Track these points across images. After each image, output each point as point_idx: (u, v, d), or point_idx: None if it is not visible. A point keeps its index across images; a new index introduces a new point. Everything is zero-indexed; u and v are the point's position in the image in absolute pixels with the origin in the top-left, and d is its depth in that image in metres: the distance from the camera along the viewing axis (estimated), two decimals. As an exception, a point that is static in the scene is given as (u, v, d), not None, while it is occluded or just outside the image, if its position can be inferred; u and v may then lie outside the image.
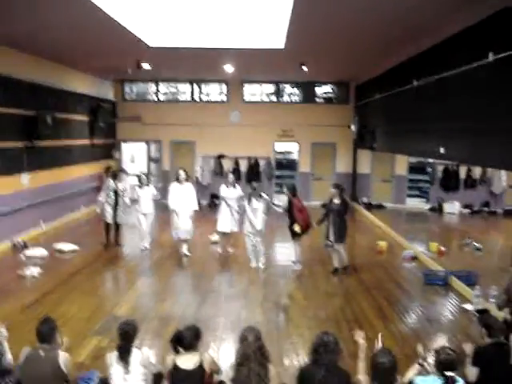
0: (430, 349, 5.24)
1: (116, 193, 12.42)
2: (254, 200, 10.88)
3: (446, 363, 4.73)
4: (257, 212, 10.89)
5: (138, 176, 12.76)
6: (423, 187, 21.37)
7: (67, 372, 5.07)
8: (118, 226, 12.73)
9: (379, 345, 5.15)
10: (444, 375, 4.71)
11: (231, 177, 12.11)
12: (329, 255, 11.08)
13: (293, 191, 11.01)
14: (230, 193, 11.76)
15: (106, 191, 12.49)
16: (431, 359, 5.06)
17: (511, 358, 5.74)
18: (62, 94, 15.52)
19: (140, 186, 12.35)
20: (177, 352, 5.14)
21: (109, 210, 12.41)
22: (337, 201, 10.58)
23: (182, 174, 11.58)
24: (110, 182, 12.47)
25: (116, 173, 12.95)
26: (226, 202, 11.76)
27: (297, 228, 10.79)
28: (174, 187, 11.56)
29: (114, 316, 8.01)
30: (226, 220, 11.79)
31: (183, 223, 11.50)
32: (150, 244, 12.44)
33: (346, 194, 18.30)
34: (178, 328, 5.43)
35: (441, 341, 5.32)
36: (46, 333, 5.12)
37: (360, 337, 5.30)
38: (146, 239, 12.36)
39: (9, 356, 5.49)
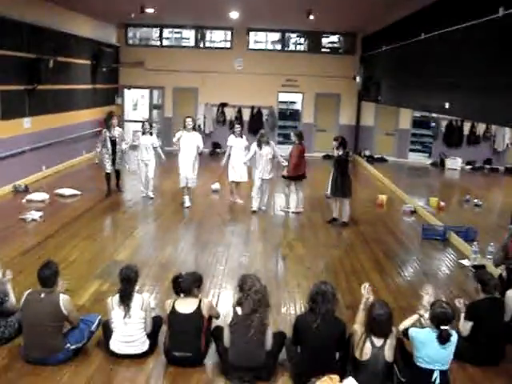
0: (424, 302, 5.32)
1: (112, 141, 12.11)
2: (263, 146, 11.16)
3: (440, 317, 4.82)
4: (266, 158, 11.21)
5: (142, 123, 12.59)
6: (426, 142, 21.28)
7: (68, 313, 5.18)
8: (118, 173, 12.63)
9: (369, 296, 5.23)
10: (438, 328, 4.80)
11: (238, 127, 12.16)
12: (329, 206, 11.16)
13: (299, 138, 11.31)
14: (238, 143, 11.82)
15: (101, 141, 12.19)
16: (426, 312, 5.15)
17: (504, 314, 5.86)
18: (65, 37, 15.28)
19: (143, 133, 12.09)
20: (177, 293, 5.23)
21: (107, 160, 12.13)
22: (338, 153, 10.56)
23: (190, 122, 11.51)
24: (104, 132, 12.19)
25: (109, 122, 12.44)
26: (235, 152, 11.80)
27: (284, 172, 11.35)
28: (180, 135, 11.45)
29: (114, 261, 8.10)
30: (236, 169, 11.82)
31: (188, 171, 11.47)
32: (153, 192, 12.29)
33: (349, 147, 18.41)
34: (179, 273, 5.53)
35: (429, 292, 5.37)
36: (48, 276, 5.20)
37: (365, 289, 5.34)
38: (148, 187, 12.21)
39: (12, 298, 5.60)
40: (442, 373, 4.88)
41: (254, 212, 11.42)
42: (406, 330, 5.02)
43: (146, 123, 12.49)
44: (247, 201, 11.95)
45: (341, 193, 10.57)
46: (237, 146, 11.80)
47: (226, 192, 12.58)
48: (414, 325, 5.16)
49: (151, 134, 12.30)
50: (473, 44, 9.20)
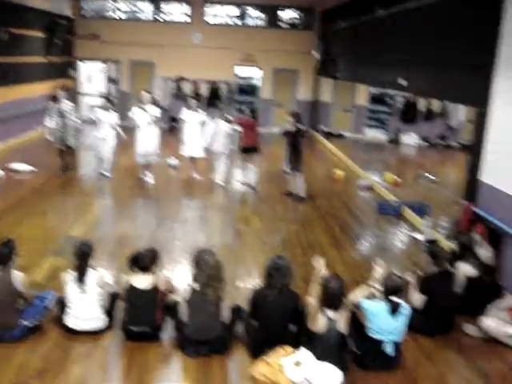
0: (375, 274, 5.43)
1: (61, 115, 11.63)
2: (220, 120, 11.35)
3: (391, 289, 4.95)
4: (223, 132, 11.37)
5: (105, 98, 12.28)
6: (383, 118, 21.50)
7: (22, 290, 5.12)
8: (71, 150, 12.12)
9: (321, 269, 5.32)
10: (389, 300, 4.93)
11: (193, 101, 12.01)
12: (286, 181, 11.29)
13: (253, 113, 11.76)
14: (192, 117, 11.67)
15: (49, 115, 11.78)
16: (378, 284, 5.27)
17: (455, 286, 6.04)
18: (17, 8, 14.82)
19: (104, 109, 11.68)
20: (133, 271, 5.23)
21: (57, 135, 11.69)
22: (291, 128, 10.66)
23: (146, 96, 11.36)
24: (51, 104, 11.87)
25: (55, 95, 12.06)
26: (188, 126, 11.72)
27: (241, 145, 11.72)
28: (137, 109, 11.31)
29: (70, 237, 7.99)
30: (192, 144, 11.73)
31: (147, 147, 11.35)
32: (110, 171, 11.86)
33: (306, 123, 18.50)
34: (136, 249, 5.52)
35: (380, 266, 5.49)
36: (4, 255, 5.12)
37: (317, 262, 5.43)
38: (104, 165, 11.78)
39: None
40: (394, 343, 5.02)
41: (217, 185, 11.57)
42: (358, 302, 5.14)
43: (105, 99, 12.15)
44: (206, 176, 11.97)
45: (294, 167, 10.72)
46: (191, 120, 11.68)
47: (183, 167, 12.50)
48: (366, 297, 5.27)
49: (111, 110, 11.80)
50: (427, 21, 9.32)
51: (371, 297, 5.28)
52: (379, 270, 5.40)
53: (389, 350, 5.01)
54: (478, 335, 5.81)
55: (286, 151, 10.82)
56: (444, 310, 5.80)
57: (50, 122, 11.78)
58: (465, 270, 6.25)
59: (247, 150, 11.76)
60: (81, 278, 5.19)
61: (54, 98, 11.90)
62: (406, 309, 5.05)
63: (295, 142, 10.69)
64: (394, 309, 4.95)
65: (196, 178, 12.03)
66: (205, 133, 11.53)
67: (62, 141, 11.76)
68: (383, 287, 5.08)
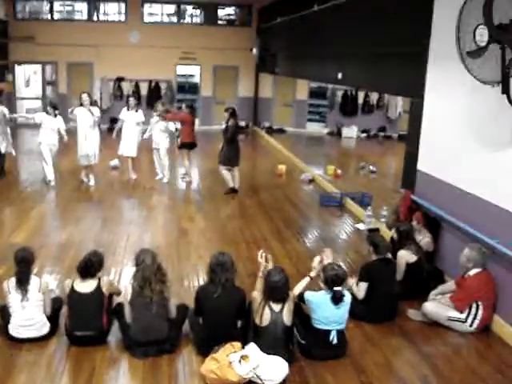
0: (314, 264, 5.53)
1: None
2: (158, 119, 11.57)
3: (332, 278, 5.06)
4: (161, 130, 11.64)
5: (51, 104, 11.70)
6: (323, 112, 21.78)
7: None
8: (3, 155, 11.60)
9: (267, 263, 5.40)
10: (332, 289, 5.04)
11: (132, 100, 11.97)
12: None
13: (190, 108, 11.96)
14: (131, 117, 11.65)
15: None
16: (316, 274, 5.39)
17: (395, 273, 6.22)
18: None
19: (47, 113, 11.15)
20: (83, 277, 5.18)
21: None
22: (228, 124, 10.87)
23: (85, 98, 11.21)
24: None
25: None
26: (126, 126, 11.73)
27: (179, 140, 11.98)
28: (78, 111, 11.14)
29: (10, 244, 7.80)
30: (127, 144, 11.74)
31: (88, 148, 11.21)
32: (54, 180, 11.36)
33: (248, 119, 18.66)
34: (81, 254, 5.47)
35: (327, 254, 5.61)
36: None
37: (261, 257, 5.49)
38: (49, 172, 11.31)
39: None
40: (339, 332, 5.14)
41: (160, 183, 11.76)
42: (302, 294, 5.23)
43: (51, 104, 11.61)
44: (144, 176, 12.12)
45: (231, 162, 10.95)
46: (129, 119, 11.68)
47: (125, 168, 12.39)
48: (308, 288, 5.38)
49: (56, 115, 11.17)
50: (362, 15, 9.50)
51: (317, 288, 5.39)
52: (317, 259, 5.50)
53: (334, 338, 5.12)
54: (421, 320, 5.98)
55: (222, 147, 11.03)
56: (386, 297, 5.95)
57: None
58: (405, 256, 6.44)
59: (186, 146, 11.91)
60: (22, 286, 5.11)
61: None
62: (347, 297, 5.17)
63: (232, 137, 10.86)
64: (336, 298, 5.06)
65: (133, 178, 12.04)
66: (142, 132, 11.62)
67: None
68: (324, 277, 5.18)
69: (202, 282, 6.57)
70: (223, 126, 11.01)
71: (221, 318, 5.04)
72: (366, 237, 6.73)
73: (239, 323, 5.23)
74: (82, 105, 11.14)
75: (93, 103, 11.64)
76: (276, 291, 4.89)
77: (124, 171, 12.32)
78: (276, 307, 4.89)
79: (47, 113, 11.19)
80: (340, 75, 10.63)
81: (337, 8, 10.77)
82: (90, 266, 5.19)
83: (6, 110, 11.68)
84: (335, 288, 5.06)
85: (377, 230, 8.67)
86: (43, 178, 11.40)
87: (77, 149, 11.29)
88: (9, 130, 11.59)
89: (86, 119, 11.08)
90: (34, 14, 20.30)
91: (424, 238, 7.02)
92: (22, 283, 5.12)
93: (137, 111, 11.78)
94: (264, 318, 4.88)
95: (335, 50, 10.90)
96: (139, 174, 12.22)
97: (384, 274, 6.02)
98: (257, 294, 5.06)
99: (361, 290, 5.95)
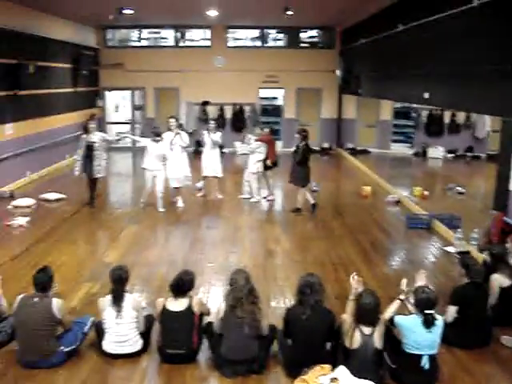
0: (411, 288, 5.41)
1: (88, 147, 11.15)
2: (248, 141, 12.11)
3: (424, 301, 4.95)
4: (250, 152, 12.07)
5: (154, 131, 11.38)
6: (408, 132, 21.43)
7: (61, 317, 5.22)
8: (94, 182, 11.59)
9: (358, 286, 5.31)
10: (423, 313, 4.92)
11: (212, 123, 12.45)
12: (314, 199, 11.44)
13: (271, 130, 12.51)
14: (210, 138, 12.07)
15: (80, 147, 11.34)
16: (411, 298, 5.26)
17: (488, 297, 5.99)
18: (44, 41, 15.23)
19: (155, 141, 11.05)
20: (176, 296, 5.29)
21: (85, 166, 11.25)
22: (299, 145, 11.12)
23: (173, 122, 11.55)
24: (82, 137, 11.42)
25: (86, 125, 11.65)
26: (207, 148, 12.17)
27: (268, 162, 12.04)
28: (166, 136, 11.40)
29: (103, 263, 8.14)
30: (211, 165, 12.05)
31: (178, 172, 11.51)
32: (164, 207, 11.40)
33: (331, 140, 18.68)
34: (167, 273, 5.59)
35: (421, 277, 5.49)
36: (44, 282, 5.25)
37: (353, 279, 5.43)
38: (144, 195, 11.49)
39: (3, 304, 5.63)
40: (431, 357, 4.99)
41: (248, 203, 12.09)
42: (392, 317, 5.13)
43: (156, 131, 11.40)
44: (228, 197, 12.38)
45: (297, 182, 11.15)
46: (208, 142, 12.09)
47: (210, 189, 12.61)
48: (399, 312, 5.26)
49: (159, 142, 11.11)
50: (449, 34, 9.32)
51: (407, 312, 5.27)
52: (405, 282, 5.41)
53: (426, 363, 4.98)
54: (517, 347, 5.74)
55: (292, 168, 11.24)
56: (478, 322, 5.76)
57: (79, 155, 11.34)
58: (499, 280, 6.20)
59: (272, 166, 12.14)
60: (117, 303, 5.27)
61: (86, 130, 11.57)
62: (439, 321, 5.03)
63: (303, 159, 11.02)
64: (428, 322, 4.93)
65: (218, 198, 12.34)
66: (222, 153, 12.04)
67: (89, 172, 11.38)
68: (415, 301, 5.07)
69: (288, 304, 6.57)
70: (294, 148, 11.32)
71: (310, 340, 5.01)
72: (458, 259, 6.54)
73: (328, 345, 5.18)
74: (169, 129, 11.45)
75: (179, 126, 11.95)
76: (367, 314, 4.82)
77: (209, 192, 12.53)
78: (367, 330, 4.82)
79: (154, 140, 11.08)
80: (427, 95, 10.43)
81: (422, 27, 10.60)
82: (182, 285, 5.30)
83: (104, 135, 12.06)
84: (427, 311, 4.93)
85: (467, 252, 8.39)
86: (141, 205, 11.53)
87: (168, 171, 11.51)
88: (105, 155, 11.75)
89: (176, 142, 11.34)
90: (123, 41, 21.17)
91: (519, 262, 6.74)
92: (117, 301, 5.28)
93: (215, 133, 12.14)
94: (354, 340, 4.82)
95: (421, 70, 10.72)
96: (224, 194, 12.42)
97: (476, 298, 5.82)
98: (347, 317, 5.00)
99: (450, 313, 5.78)
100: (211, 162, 12.10)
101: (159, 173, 11.14)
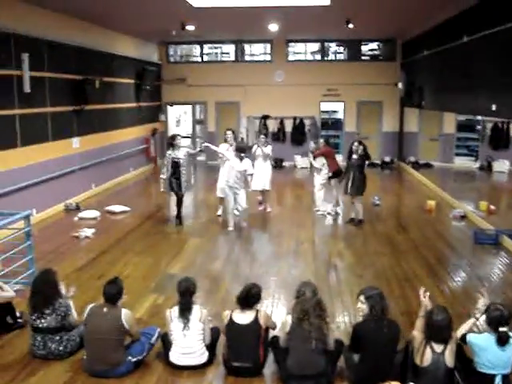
0: (479, 305, 5.25)
1: (175, 163, 10.89)
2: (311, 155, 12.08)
3: (497, 319, 4.78)
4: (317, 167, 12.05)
5: (238, 147, 11.04)
6: (472, 145, 20.93)
7: (129, 327, 5.30)
8: (180, 200, 11.33)
9: (427, 302, 5.19)
10: (496, 331, 4.75)
11: (262, 137, 12.64)
12: (376, 214, 11.23)
13: (327, 142, 12.42)
14: (260, 152, 12.26)
15: (164, 165, 11.17)
16: (482, 317, 5.09)
17: None
18: (109, 57, 15.68)
19: (239, 157, 10.73)
20: (243, 308, 5.30)
21: (168, 184, 11.04)
22: (356, 156, 11.12)
23: (229, 134, 11.66)
24: (168, 154, 11.08)
25: (172, 142, 11.20)
26: (257, 162, 12.26)
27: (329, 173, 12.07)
28: (222, 148, 11.53)
29: (168, 274, 8.25)
30: (260, 178, 12.04)
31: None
32: (246, 222, 11.25)
33: (393, 154, 18.46)
34: (230, 285, 5.60)
35: (485, 295, 5.33)
36: (114, 293, 5.35)
37: (423, 295, 5.31)
38: (239, 218, 11.12)
39: (74, 313, 5.76)
40: (505, 377, 4.81)
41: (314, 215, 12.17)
42: (464, 335, 4.97)
43: (240, 146, 11.14)
44: (286, 210, 12.60)
45: (353, 191, 11.20)
46: (260, 155, 12.25)
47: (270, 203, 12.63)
48: (471, 330, 5.09)
49: (242, 158, 10.76)
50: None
51: (476, 330, 5.10)
52: (483, 300, 5.23)
53: (499, 383, 4.80)
54: None
55: (350, 177, 11.21)
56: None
57: (166, 171, 11.07)
58: None
59: (335, 175, 12.06)
60: (185, 315, 5.31)
61: (171, 146, 11.14)
62: (513, 339, 4.86)
63: (361, 168, 11.15)
64: (502, 340, 4.75)
65: (267, 211, 12.41)
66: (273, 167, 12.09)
67: (176, 190, 11.14)
68: (488, 318, 4.90)
69: (353, 319, 6.48)
70: (354, 157, 11.23)
71: (380, 355, 4.90)
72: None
73: (397, 360, 5.06)
74: (225, 141, 11.58)
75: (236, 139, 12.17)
76: (439, 331, 4.69)
77: (261, 204, 12.60)
78: (438, 348, 4.68)
79: (238, 156, 10.75)
80: (494, 107, 10.18)
81: (489, 38, 10.39)
82: (250, 298, 5.29)
83: (188, 149, 12.05)
84: (500, 329, 4.76)
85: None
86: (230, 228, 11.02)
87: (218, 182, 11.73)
88: (192, 170, 11.68)
89: (228, 155, 11.11)
90: (185, 57, 21.55)
91: None
92: (185, 313, 5.32)
93: (266, 146, 12.28)
94: (425, 358, 4.69)
95: (488, 81, 10.49)
96: (286, 207, 12.39)
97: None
98: (417, 334, 4.87)
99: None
100: (262, 176, 12.10)
101: (241, 190, 10.86)
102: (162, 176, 11.33)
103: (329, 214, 12.07)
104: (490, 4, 10.28)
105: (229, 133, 11.69)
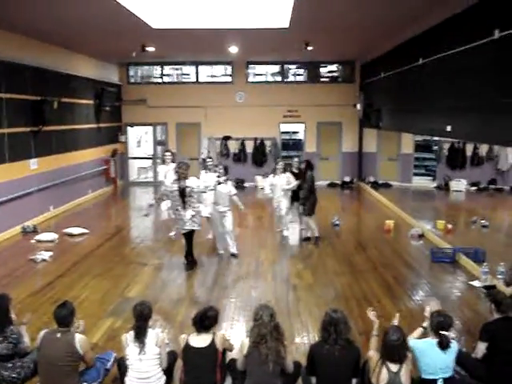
0: (426, 313, 5.49)
1: (181, 193, 9.41)
2: (276, 176, 11.66)
3: (439, 323, 5.01)
4: (276, 187, 11.68)
5: (223, 168, 10.72)
6: (429, 165, 21.31)
7: (83, 353, 5.19)
8: (190, 235, 9.86)
9: (395, 322, 5.28)
10: (438, 334, 4.90)
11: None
12: (336, 234, 11.34)
13: (300, 164, 12.18)
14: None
15: (166, 193, 9.93)
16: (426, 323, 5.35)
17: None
18: (67, 78, 15.53)
19: (219, 183, 10.30)
20: (199, 331, 5.24)
21: (181, 217, 9.52)
22: (307, 175, 11.46)
23: (168, 156, 11.73)
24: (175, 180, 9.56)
25: (178, 171, 9.49)
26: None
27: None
28: (161, 169, 11.59)
29: (125, 298, 8.14)
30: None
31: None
32: (237, 247, 10.82)
33: (352, 174, 18.65)
34: (189, 309, 5.55)
35: (434, 305, 5.48)
36: (65, 316, 5.22)
37: (372, 315, 5.39)
38: (229, 243, 10.71)
39: (26, 339, 5.62)
40: (446, 380, 4.92)
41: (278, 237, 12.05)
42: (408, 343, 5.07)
43: (220, 169, 10.64)
44: (246, 233, 12.26)
45: (310, 212, 11.54)
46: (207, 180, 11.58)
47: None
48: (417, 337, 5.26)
49: (226, 180, 10.48)
50: (470, 66, 9.31)
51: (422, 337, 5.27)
52: (429, 309, 5.46)
53: (442, 388, 4.90)
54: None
55: (300, 198, 11.49)
56: (509, 358, 5.59)
57: (171, 204, 9.93)
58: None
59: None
60: (140, 339, 5.22)
61: (178, 177, 9.45)
62: (454, 344, 5.00)
63: (310, 188, 11.38)
64: (443, 343, 4.91)
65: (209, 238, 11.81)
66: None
67: (181, 226, 9.76)
68: (430, 324, 5.12)
69: (312, 340, 6.49)
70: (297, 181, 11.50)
71: (336, 378, 4.90)
72: (486, 294, 6.44)
73: (354, 382, 5.07)
74: (163, 162, 11.64)
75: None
76: (394, 351, 4.72)
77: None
78: (393, 367, 4.71)
79: (220, 182, 10.30)
80: (449, 128, 10.39)
81: (443, 60, 10.62)
82: (206, 320, 5.23)
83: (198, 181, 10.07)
84: (441, 332, 4.89)
85: (494, 287, 8.25)
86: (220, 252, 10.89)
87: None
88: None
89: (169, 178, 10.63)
90: (145, 78, 21.48)
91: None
92: (140, 337, 5.23)
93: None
94: (381, 377, 4.70)
95: (443, 103, 10.71)
96: (247, 229, 12.37)
97: (508, 333, 5.66)
98: (373, 353, 4.91)
99: (479, 350, 5.62)
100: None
101: (227, 213, 10.54)
102: (163, 208, 11.52)
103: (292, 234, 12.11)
104: (445, 28, 10.53)
105: (167, 154, 11.68)
